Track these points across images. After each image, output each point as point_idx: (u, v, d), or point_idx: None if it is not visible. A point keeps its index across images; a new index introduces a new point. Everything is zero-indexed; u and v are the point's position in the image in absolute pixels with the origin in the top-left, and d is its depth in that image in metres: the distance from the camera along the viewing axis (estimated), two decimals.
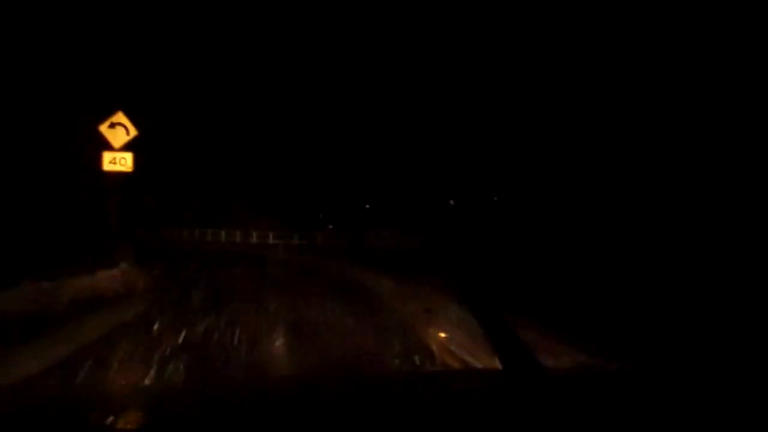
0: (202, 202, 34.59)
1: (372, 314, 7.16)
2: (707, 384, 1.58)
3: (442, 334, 5.55)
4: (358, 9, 32.33)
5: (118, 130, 10.72)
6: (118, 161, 10.68)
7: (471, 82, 29.65)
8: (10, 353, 4.75)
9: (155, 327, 6.09)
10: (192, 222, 33.36)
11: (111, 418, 1.37)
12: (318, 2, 34.32)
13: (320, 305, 8.13)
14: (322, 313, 7.34)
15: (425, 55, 31.57)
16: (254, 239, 31.36)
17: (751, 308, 6.18)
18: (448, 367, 4.67)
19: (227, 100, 35.77)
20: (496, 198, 32.65)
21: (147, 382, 4.15)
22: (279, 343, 5.67)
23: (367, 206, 36.16)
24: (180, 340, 5.48)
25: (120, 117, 10.75)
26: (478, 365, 4.36)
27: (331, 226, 35.09)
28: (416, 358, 4.87)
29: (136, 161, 10.95)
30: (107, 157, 10.67)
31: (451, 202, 35.27)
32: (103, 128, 10.67)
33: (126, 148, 10.84)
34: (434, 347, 5.23)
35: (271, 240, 30.55)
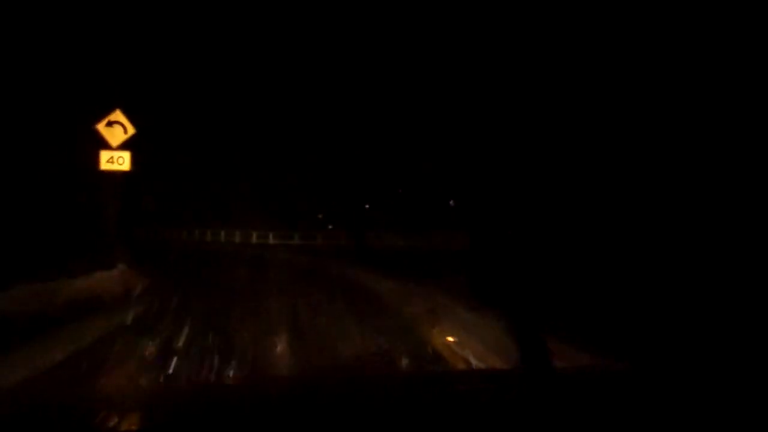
0: (201, 203, 34.46)
1: (376, 317, 6.96)
2: (709, 384, 1.58)
3: (450, 338, 5.36)
4: (358, 8, 32.20)
5: (116, 129, 10.55)
6: (115, 160, 10.50)
7: (471, 81, 29.50)
8: None
9: (153, 331, 5.91)
10: (191, 222, 33.22)
11: (111, 419, 1.37)
12: (318, 2, 34.20)
13: (323, 308, 7.97)
14: (325, 317, 7.15)
15: (425, 55, 31.44)
16: (254, 239, 31.19)
17: (751, 308, 6.04)
18: None
19: (227, 99, 35.63)
20: (495, 198, 32.46)
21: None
22: (280, 347, 5.50)
23: (367, 206, 35.98)
24: (178, 345, 5.30)
25: (118, 115, 10.58)
26: None
27: (330, 227, 34.93)
28: (426, 365, 4.69)
29: (136, 161, 10.79)
30: (104, 156, 10.50)
31: (451, 202, 35.13)
32: (101, 127, 10.50)
33: (124, 146, 10.67)
34: (444, 352, 5.03)
35: (271, 240, 30.38)
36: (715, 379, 1.64)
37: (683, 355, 4.40)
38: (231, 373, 4.51)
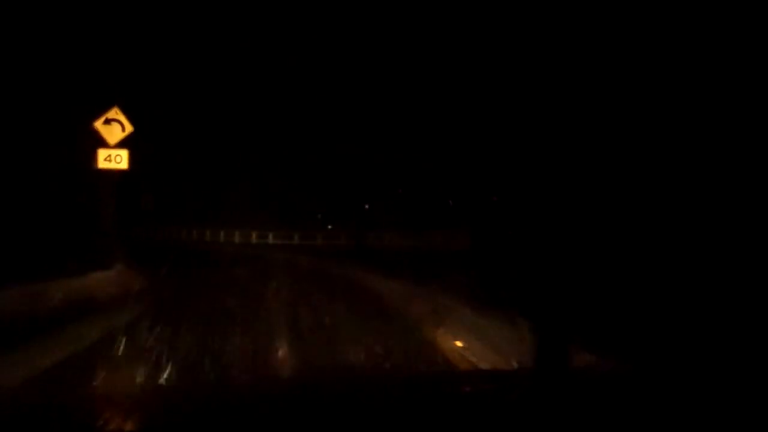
0: (201, 202, 34.34)
1: (380, 320, 6.77)
2: (711, 385, 1.58)
3: (459, 343, 5.16)
4: (358, 8, 32.06)
5: (114, 127, 10.38)
6: (113, 159, 10.33)
7: (470, 81, 29.40)
8: None
9: (149, 334, 5.72)
10: (191, 222, 33.08)
11: (111, 418, 1.37)
12: (318, 1, 34.06)
13: (325, 311, 7.77)
14: (328, 320, 6.95)
15: (425, 54, 31.31)
16: (254, 239, 31.03)
17: (752, 309, 5.92)
18: None
19: (227, 99, 35.51)
20: (495, 198, 32.40)
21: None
22: (281, 352, 5.34)
23: (367, 206, 35.84)
24: (175, 348, 5.12)
25: (116, 113, 10.41)
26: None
27: (330, 227, 34.78)
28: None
29: (135, 159, 10.63)
30: (102, 154, 10.33)
31: (450, 202, 34.98)
32: (98, 124, 10.33)
33: (122, 145, 10.50)
34: (453, 358, 4.84)
35: (270, 240, 30.22)
36: (716, 381, 1.63)
37: (686, 356, 4.30)
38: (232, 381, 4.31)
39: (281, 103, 35.41)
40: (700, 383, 1.63)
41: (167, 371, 4.28)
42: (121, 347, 4.99)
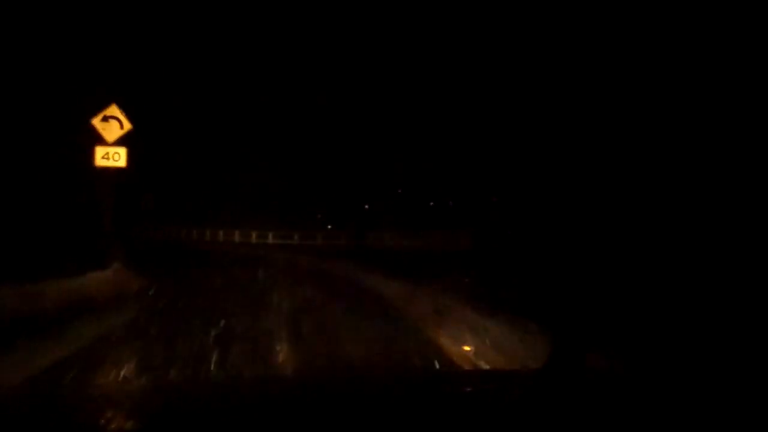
0: (201, 202, 34.24)
1: (385, 323, 6.58)
2: (709, 386, 1.57)
3: (467, 348, 5.00)
4: (358, 8, 31.95)
5: (112, 124, 10.21)
6: (111, 156, 10.17)
7: (470, 81, 29.33)
8: None
9: (145, 336, 5.57)
10: (191, 221, 32.96)
11: (111, 418, 1.38)
12: (318, 1, 33.95)
13: (327, 313, 7.62)
14: (330, 323, 6.78)
15: (424, 54, 31.22)
16: (253, 239, 30.88)
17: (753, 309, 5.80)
18: None
19: (227, 99, 35.43)
20: (495, 199, 32.33)
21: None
22: (282, 357, 5.19)
23: (366, 206, 35.73)
24: (172, 351, 4.96)
25: (114, 110, 10.25)
26: None
27: (330, 227, 34.65)
28: None
29: (135, 158, 10.49)
30: (100, 152, 10.17)
31: (451, 203, 34.86)
32: (96, 122, 10.17)
33: (120, 142, 10.34)
34: (463, 364, 4.66)
35: (270, 240, 30.08)
36: (714, 381, 1.62)
37: (685, 357, 4.20)
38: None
39: (281, 103, 35.35)
40: (696, 384, 1.61)
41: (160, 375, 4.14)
42: (114, 352, 4.84)
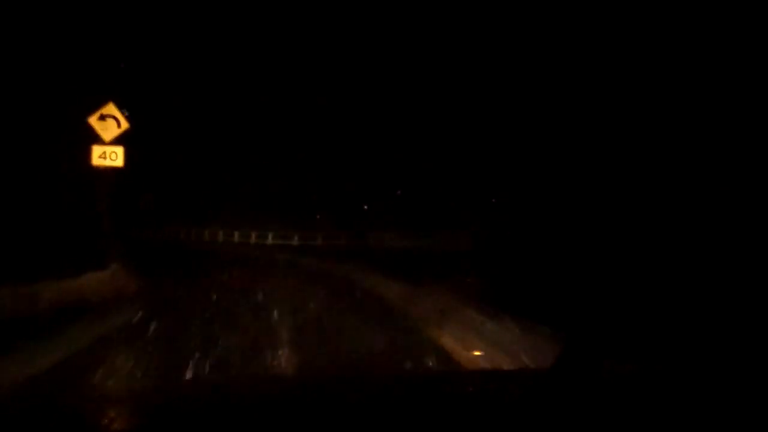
0: (200, 202, 34.11)
1: (390, 328, 6.39)
2: (712, 385, 1.58)
3: (477, 353, 4.82)
4: (359, 9, 31.85)
5: (109, 123, 10.04)
6: (108, 156, 9.99)
7: (470, 82, 29.25)
8: None
9: (143, 339, 5.41)
10: (190, 222, 32.83)
11: (111, 418, 1.38)
12: (318, 2, 33.85)
13: (329, 316, 7.46)
14: (333, 327, 6.61)
15: (424, 55, 31.13)
16: (253, 239, 30.72)
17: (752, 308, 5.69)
18: None
19: (227, 99, 35.33)
20: (494, 200, 32.27)
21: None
22: (282, 354, 5.04)
23: (366, 207, 35.63)
24: (169, 355, 4.80)
25: (111, 108, 10.07)
26: None
27: (330, 227, 34.52)
28: None
29: (135, 158, 10.32)
30: (97, 151, 9.98)
31: (452, 204, 34.74)
32: (93, 120, 9.99)
33: (118, 141, 10.17)
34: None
35: (270, 240, 29.91)
36: (717, 380, 1.63)
37: (688, 355, 4.08)
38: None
39: (281, 104, 35.24)
40: (701, 383, 1.62)
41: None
42: (108, 356, 4.67)
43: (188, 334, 5.65)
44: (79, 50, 13.75)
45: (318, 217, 35.48)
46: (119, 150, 10.07)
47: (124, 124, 10.12)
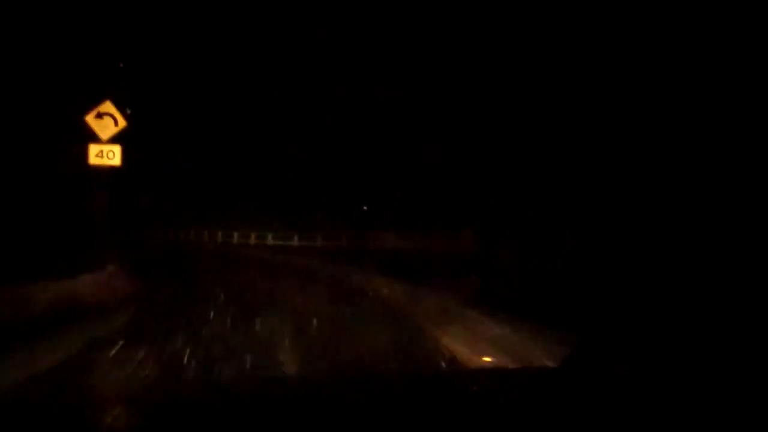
0: (199, 203, 33.98)
1: (396, 333, 6.19)
2: (709, 385, 1.56)
3: (487, 359, 4.63)
4: (358, 9, 31.72)
5: (106, 121, 9.84)
6: (105, 154, 9.79)
7: (469, 82, 29.14)
8: None
9: (138, 342, 5.21)
10: (189, 222, 32.70)
11: (111, 418, 1.38)
12: (319, 2, 33.73)
13: (332, 319, 7.26)
14: (337, 331, 6.41)
15: (424, 55, 31.01)
16: (252, 240, 30.54)
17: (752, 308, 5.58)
18: None
19: (227, 99, 35.21)
20: (494, 201, 32.17)
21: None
22: (285, 356, 4.86)
23: (365, 208, 35.51)
24: (166, 360, 4.61)
25: (108, 107, 9.87)
26: None
27: (329, 228, 34.37)
28: None
29: (133, 158, 10.13)
30: (93, 149, 9.78)
31: (453, 204, 34.61)
32: (90, 118, 9.79)
33: (115, 140, 9.97)
34: None
35: (269, 241, 29.74)
36: (714, 381, 1.61)
37: (684, 355, 3.93)
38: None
39: (281, 104, 35.11)
40: (697, 383, 1.61)
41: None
42: (100, 361, 4.48)
43: (186, 339, 5.45)
44: (77, 49, 13.58)
45: (318, 217, 35.32)
46: (116, 149, 9.87)
47: (122, 123, 9.92)
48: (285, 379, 3.02)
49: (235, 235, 31.27)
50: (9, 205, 10.45)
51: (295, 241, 29.07)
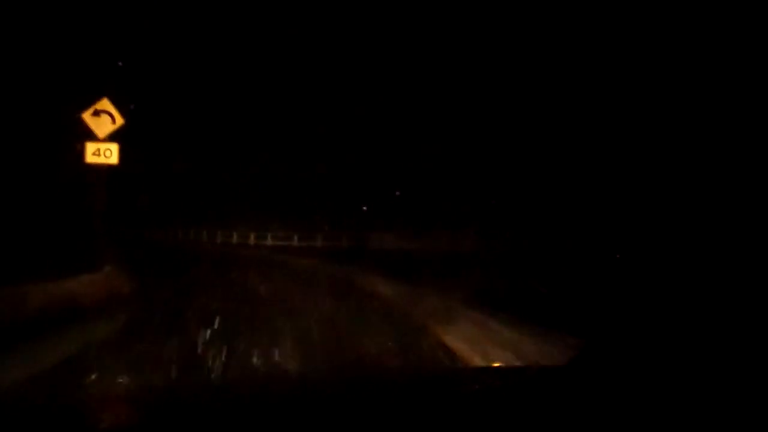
0: (199, 203, 33.88)
1: (401, 335, 6.05)
2: (707, 384, 1.54)
3: (497, 365, 4.48)
4: (358, 9, 31.65)
5: (104, 119, 9.67)
6: (102, 153, 9.63)
7: (469, 82, 29.13)
8: None
9: (136, 346, 5.05)
10: (188, 223, 32.59)
11: (111, 418, 1.41)
12: (319, 3, 33.65)
13: (333, 318, 7.13)
14: (339, 335, 6.26)
15: (424, 55, 30.95)
16: (252, 240, 30.37)
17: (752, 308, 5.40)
18: None
19: (227, 99, 35.16)
20: (494, 201, 32.14)
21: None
22: (287, 356, 4.72)
23: (365, 208, 35.40)
24: (163, 365, 4.45)
25: (105, 104, 9.71)
26: None
27: (330, 228, 34.24)
28: None
29: (132, 157, 9.97)
30: (90, 148, 9.62)
31: (454, 205, 34.51)
32: (87, 116, 9.63)
33: (113, 138, 9.81)
34: None
35: (269, 241, 29.56)
36: (719, 380, 1.58)
37: (685, 353, 3.78)
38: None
39: (281, 105, 35.04)
40: (696, 381, 1.60)
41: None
42: (95, 366, 4.31)
43: (183, 342, 5.29)
44: (74, 47, 13.45)
45: (317, 218, 35.20)
46: (114, 147, 9.71)
47: (119, 120, 9.75)
48: (285, 378, 2.96)
49: (235, 234, 31.13)
50: (4, 204, 10.28)
51: (295, 241, 28.91)
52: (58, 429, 1.30)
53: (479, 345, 5.17)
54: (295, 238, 29.26)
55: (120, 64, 13.72)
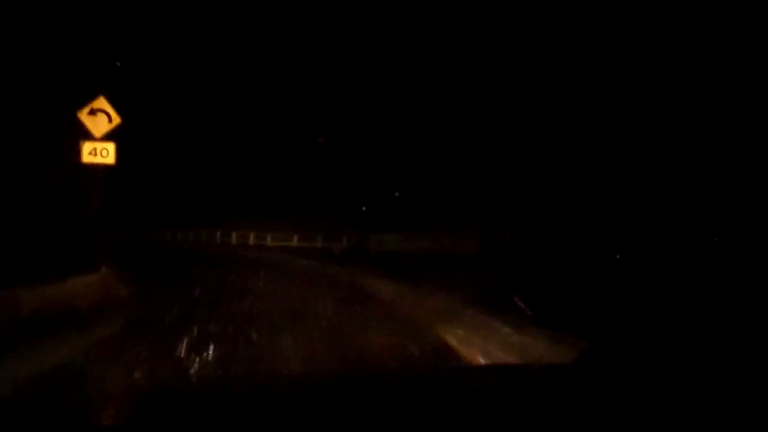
0: (198, 203, 33.81)
1: (406, 339, 5.93)
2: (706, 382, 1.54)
3: (500, 363, 4.40)
4: (358, 9, 31.59)
5: (100, 118, 9.55)
6: (99, 152, 9.50)
7: (468, 82, 29.07)
8: None
9: (132, 351, 4.92)
10: (187, 223, 32.47)
11: (111, 418, 1.42)
12: (318, 3, 33.58)
13: (335, 320, 7.01)
14: (341, 337, 6.14)
15: (424, 55, 30.89)
16: (251, 241, 30.24)
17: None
18: None
19: (226, 100, 35.10)
20: (494, 201, 32.11)
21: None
22: (289, 360, 4.61)
23: (364, 208, 35.31)
24: (162, 366, 4.33)
25: (102, 103, 9.58)
26: None
27: (330, 229, 34.13)
28: None
29: (131, 157, 9.83)
30: (87, 147, 9.49)
31: (454, 205, 34.45)
32: (83, 115, 9.50)
33: (109, 137, 9.68)
34: None
35: (269, 242, 29.43)
36: (721, 381, 1.58)
37: (685, 354, 3.70)
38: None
39: (281, 105, 34.97)
40: (696, 379, 1.60)
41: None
42: (87, 373, 4.19)
43: (182, 345, 5.16)
44: (72, 47, 13.34)
45: (317, 218, 35.08)
46: (110, 146, 9.58)
47: (116, 119, 9.63)
48: (286, 377, 2.98)
49: (234, 235, 31.00)
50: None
51: (295, 242, 28.79)
52: (58, 429, 1.30)
53: (481, 345, 5.10)
54: (295, 238, 29.13)
55: (118, 64, 13.59)
